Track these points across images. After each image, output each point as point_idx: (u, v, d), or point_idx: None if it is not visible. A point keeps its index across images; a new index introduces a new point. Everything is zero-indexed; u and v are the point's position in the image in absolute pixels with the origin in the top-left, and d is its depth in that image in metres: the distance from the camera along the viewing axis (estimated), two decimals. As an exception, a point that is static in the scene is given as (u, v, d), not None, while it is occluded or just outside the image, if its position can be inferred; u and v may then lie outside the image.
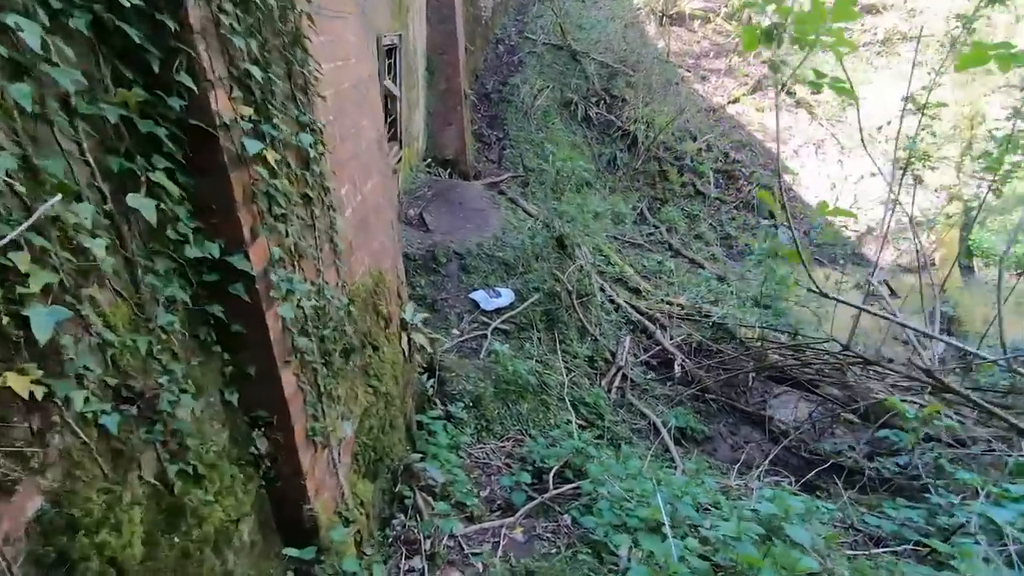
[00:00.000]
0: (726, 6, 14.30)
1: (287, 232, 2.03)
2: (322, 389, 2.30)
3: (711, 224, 11.54)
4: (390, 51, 7.19)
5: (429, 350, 4.01)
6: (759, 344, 6.24)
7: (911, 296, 10.33)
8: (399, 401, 3.54)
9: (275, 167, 1.89)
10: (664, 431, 5.50)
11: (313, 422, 2.23)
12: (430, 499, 3.43)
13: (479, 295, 6.51)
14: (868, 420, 5.33)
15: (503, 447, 4.72)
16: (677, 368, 6.69)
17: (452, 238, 7.10)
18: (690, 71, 13.39)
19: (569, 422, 5.19)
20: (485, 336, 6.12)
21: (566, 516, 3.45)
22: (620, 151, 12.27)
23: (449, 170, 10.29)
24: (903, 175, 4.94)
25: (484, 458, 4.47)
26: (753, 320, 6.44)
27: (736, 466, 5.03)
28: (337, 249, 2.59)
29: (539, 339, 6.44)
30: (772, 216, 11.78)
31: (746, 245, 11.32)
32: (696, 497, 3.14)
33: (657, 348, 7.12)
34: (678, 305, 7.44)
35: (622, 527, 3.03)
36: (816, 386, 5.77)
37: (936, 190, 12.15)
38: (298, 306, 2.09)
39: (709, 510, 3.31)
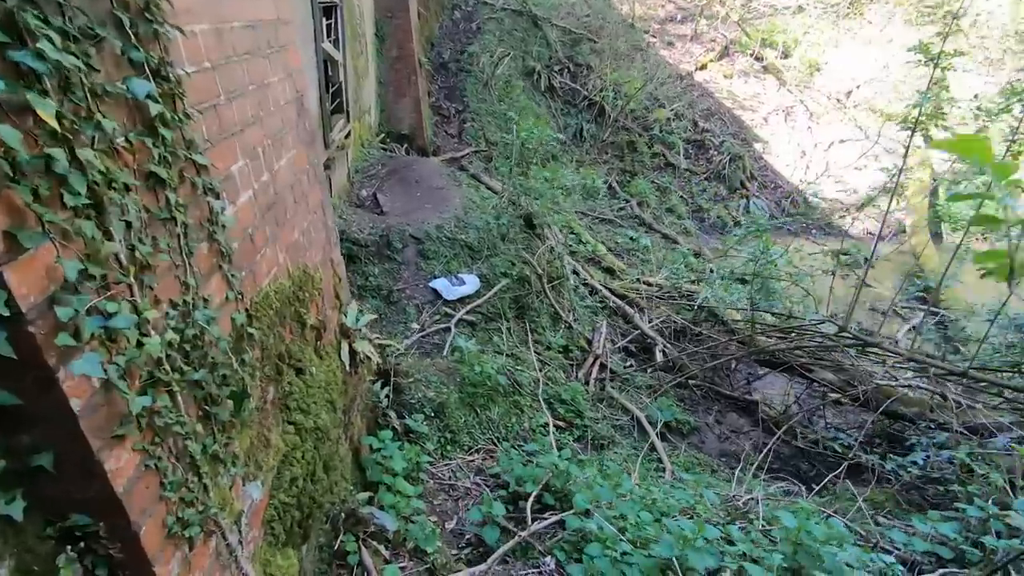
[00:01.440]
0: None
1: (107, 233, 1.26)
2: (198, 457, 1.56)
3: (682, 196, 10.97)
4: (328, 10, 6.25)
5: (377, 360, 3.27)
6: (747, 326, 5.69)
7: (883, 265, 10.03)
8: (339, 431, 2.82)
9: (65, 128, 1.12)
10: (651, 430, 4.92)
11: (183, 509, 1.50)
12: (382, 548, 2.74)
13: (440, 283, 5.77)
14: (867, 406, 4.86)
15: (471, 462, 4.05)
16: (658, 354, 6.11)
17: (408, 220, 6.30)
18: (655, 36, 12.66)
19: (546, 426, 4.55)
20: (448, 329, 5.41)
21: (549, 559, 2.81)
22: (587, 122, 11.53)
23: (406, 146, 9.41)
24: (911, 135, 4.38)
25: (449, 478, 3.80)
26: (740, 300, 5.88)
27: (736, 469, 4.48)
28: (224, 249, 1.83)
29: (509, 330, 5.76)
30: (744, 186, 11.30)
31: (718, 217, 10.83)
32: (705, 532, 2.53)
33: (636, 333, 6.53)
34: (656, 285, 6.84)
35: (620, 581, 2.41)
36: (810, 370, 5.27)
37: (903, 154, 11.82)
38: (138, 344, 1.33)
39: (721, 540, 2.72)
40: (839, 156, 11.59)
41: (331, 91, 6.33)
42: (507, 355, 5.30)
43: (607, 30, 12.17)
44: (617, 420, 5.29)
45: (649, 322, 6.73)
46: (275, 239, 2.35)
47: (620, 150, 11.33)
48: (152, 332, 1.40)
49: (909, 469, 3.87)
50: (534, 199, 6.08)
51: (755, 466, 4.82)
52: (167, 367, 1.45)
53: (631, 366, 6.25)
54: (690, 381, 6.12)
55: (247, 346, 1.96)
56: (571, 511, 2.96)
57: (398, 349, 3.65)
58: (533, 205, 6.22)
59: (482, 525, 3.13)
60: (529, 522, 3.09)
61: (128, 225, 1.35)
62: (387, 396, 3.93)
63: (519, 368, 5.12)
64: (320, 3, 5.76)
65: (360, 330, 3.26)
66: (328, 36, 6.23)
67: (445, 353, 5.14)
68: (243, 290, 1.98)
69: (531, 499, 3.24)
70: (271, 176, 2.36)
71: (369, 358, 3.22)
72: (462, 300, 5.77)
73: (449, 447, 4.08)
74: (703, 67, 12.27)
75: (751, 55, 12.47)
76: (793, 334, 5.38)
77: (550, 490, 3.36)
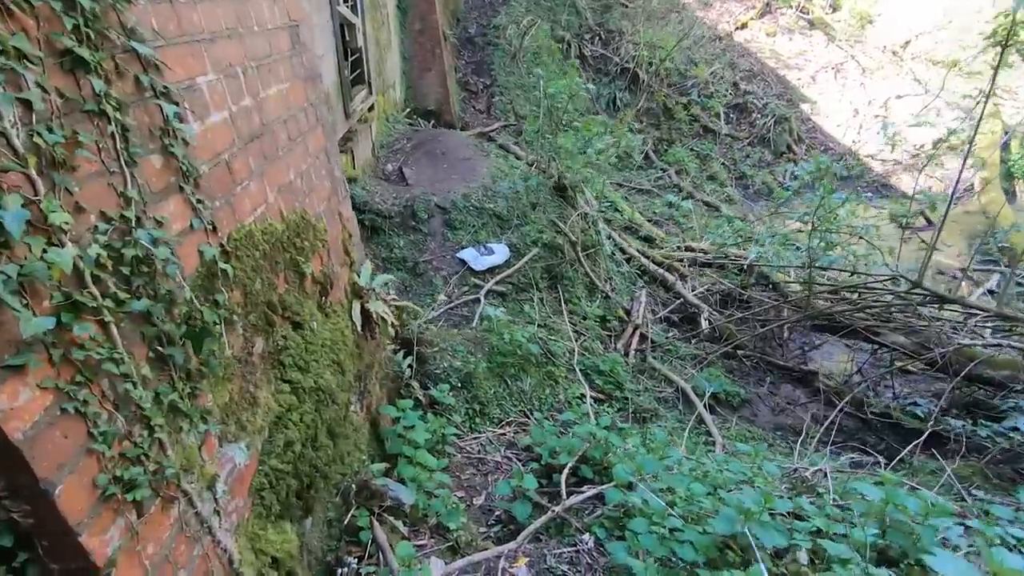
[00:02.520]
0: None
1: (-11, 106, 0.97)
2: (147, 406, 1.28)
3: (724, 163, 10.32)
4: (345, -26, 5.96)
5: (393, 322, 2.97)
6: (803, 287, 5.15)
7: (950, 227, 9.17)
8: (348, 395, 2.53)
9: None
10: (697, 400, 4.50)
11: (125, 467, 1.21)
12: (399, 524, 2.45)
13: (468, 253, 5.45)
14: (944, 371, 4.29)
15: (502, 435, 3.73)
16: (703, 323, 5.64)
17: (434, 190, 5.99)
18: (691, -3, 11.92)
19: (582, 397, 4.19)
20: (478, 301, 5.10)
21: (587, 536, 2.46)
22: (620, 91, 10.97)
23: (432, 122, 9.11)
24: (1001, 54, 3.73)
25: (478, 452, 3.49)
26: (795, 259, 5.33)
27: (796, 442, 4.02)
28: (185, 167, 1.53)
29: (541, 300, 5.40)
30: (790, 150, 10.55)
31: (763, 184, 10.13)
32: (772, 504, 2.12)
33: (678, 301, 6.07)
34: (700, 251, 6.34)
35: (670, 561, 2.04)
36: (876, 333, 4.72)
37: (991, 77, 10.78)
38: (42, 257, 1.04)
39: (788, 516, 2.31)
40: (896, 113, 10.67)
41: (351, 59, 6.06)
42: (539, 325, 4.95)
43: (638, -6, 11.52)
44: (660, 392, 4.88)
45: (692, 290, 6.25)
46: (262, 174, 2.06)
47: (656, 118, 10.73)
48: (67, 243, 1.10)
49: (1011, 436, 3.33)
50: (565, 161, 5.67)
51: (816, 439, 4.35)
52: (93, 290, 1.16)
53: (673, 336, 5.82)
54: (739, 352, 5.64)
55: (222, 286, 1.66)
56: (611, 483, 2.60)
57: (418, 312, 3.31)
58: (564, 168, 5.81)
59: (512, 500, 2.80)
60: (564, 496, 2.75)
61: (27, 105, 1.06)
62: (410, 366, 3.65)
63: (552, 338, 4.76)
64: (334, -36, 5.48)
65: (374, 290, 2.97)
66: (345, 1, 5.95)
67: (474, 324, 4.83)
68: (216, 221, 1.69)
69: (566, 471, 2.89)
70: (255, 103, 2.06)
71: (384, 320, 2.91)
72: (491, 270, 5.44)
73: (478, 419, 3.77)
74: (743, 26, 11.50)
75: (796, 10, 11.60)
76: (857, 293, 4.82)
77: (587, 462, 3.00)
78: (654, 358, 5.25)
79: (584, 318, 5.45)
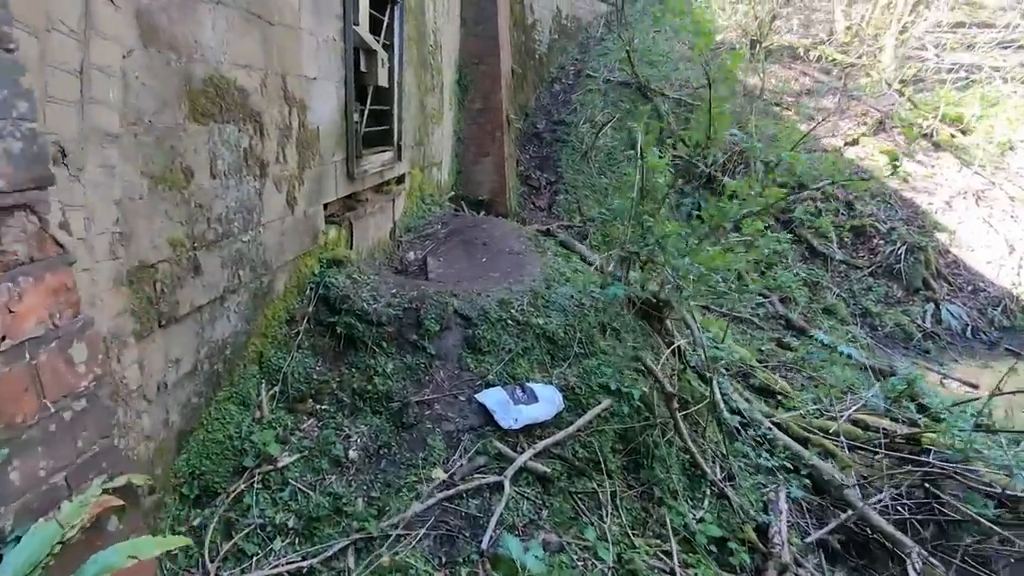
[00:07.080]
0: (831, 36, 11.16)
1: None
2: None
3: (840, 295, 7.80)
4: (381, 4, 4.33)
5: None
6: None
7: None
8: None
9: None
10: None
11: None
12: None
13: (494, 397, 3.11)
14: None
15: None
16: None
17: (457, 290, 3.80)
18: (790, 109, 10.14)
19: None
20: (500, 487, 2.69)
21: None
22: (705, 200, 8.94)
23: (483, 212, 7.25)
24: None
25: None
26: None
27: None
28: None
29: (613, 497, 2.89)
30: (928, 287, 7.94)
31: (896, 326, 7.47)
32: None
33: (847, 515, 3.36)
34: (884, 430, 3.70)
35: None
36: None
37: None
38: None
39: None
40: (1066, 254, 8.01)
41: (369, 106, 4.26)
42: (611, 564, 2.42)
43: (731, 102, 9.84)
44: None
45: (858, 487, 3.55)
46: None
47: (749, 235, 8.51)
48: None
49: None
50: (669, 261, 3.41)
51: None
52: None
53: (844, 587, 3.08)
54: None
55: None
56: None
57: None
58: (659, 277, 3.53)
59: None
60: None
61: None
62: None
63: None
64: (361, -24, 3.81)
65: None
66: (376, 33, 4.27)
67: (485, 542, 2.39)
68: None
69: None
70: None
71: None
72: (529, 429, 3.05)
73: None
74: (854, 142, 9.46)
75: (920, 133, 9.51)
76: None
77: None
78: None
79: (690, 538, 2.87)
